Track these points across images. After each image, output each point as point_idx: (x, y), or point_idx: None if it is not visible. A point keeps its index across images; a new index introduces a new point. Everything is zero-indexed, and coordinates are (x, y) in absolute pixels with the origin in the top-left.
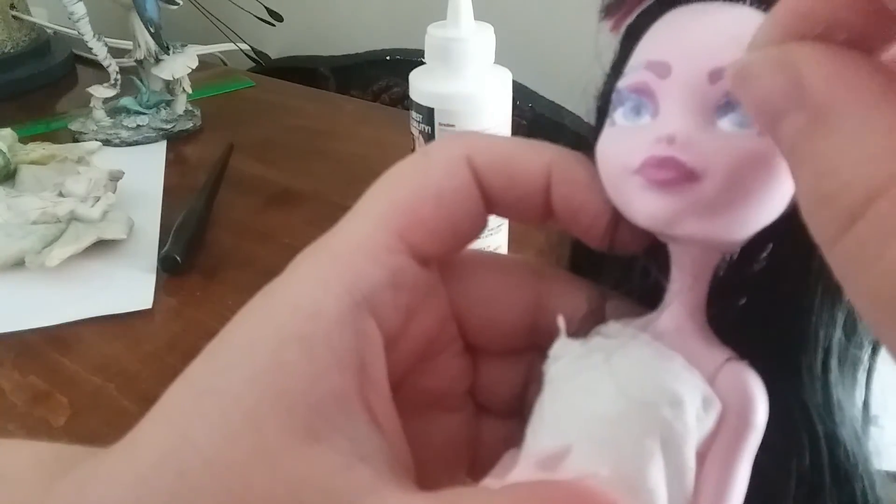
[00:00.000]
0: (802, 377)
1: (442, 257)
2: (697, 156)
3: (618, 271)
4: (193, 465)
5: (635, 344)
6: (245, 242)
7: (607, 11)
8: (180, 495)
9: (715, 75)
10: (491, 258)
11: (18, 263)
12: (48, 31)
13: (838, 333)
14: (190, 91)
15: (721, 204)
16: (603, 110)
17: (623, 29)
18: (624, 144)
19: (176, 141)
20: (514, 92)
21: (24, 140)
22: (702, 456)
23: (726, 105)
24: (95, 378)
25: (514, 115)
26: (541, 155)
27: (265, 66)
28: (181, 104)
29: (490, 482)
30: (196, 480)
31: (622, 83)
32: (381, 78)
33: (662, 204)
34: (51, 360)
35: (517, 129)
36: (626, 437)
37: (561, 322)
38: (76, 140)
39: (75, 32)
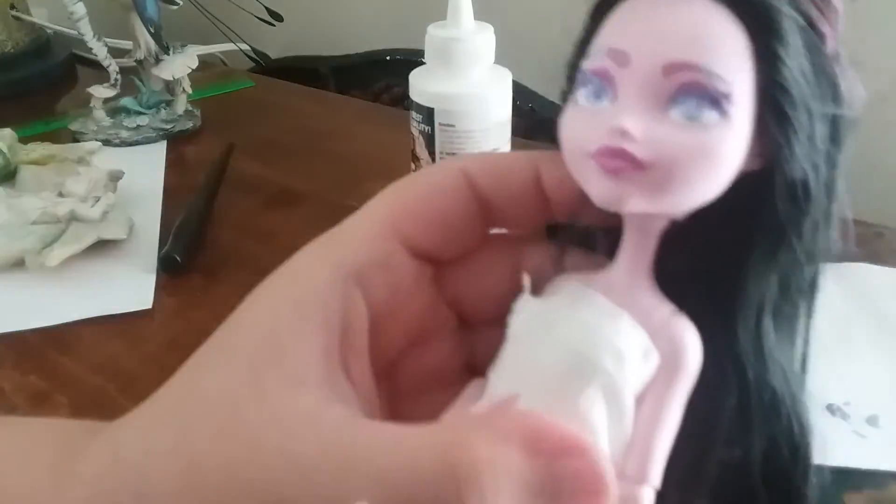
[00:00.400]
0: (737, 329)
1: (437, 252)
2: (647, 148)
3: (578, 232)
4: (198, 412)
5: (585, 302)
6: (245, 242)
7: None
8: (186, 439)
9: (668, 69)
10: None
11: (18, 263)
12: (48, 31)
13: (772, 292)
14: (190, 91)
15: (666, 187)
16: (571, 80)
17: (591, 6)
18: (583, 127)
19: (176, 141)
20: (514, 92)
21: (24, 140)
22: (640, 399)
23: (677, 97)
24: (95, 378)
25: (514, 115)
26: (526, 155)
27: (265, 66)
28: (181, 104)
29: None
30: (200, 424)
31: (587, 65)
32: (381, 78)
33: (613, 187)
34: (51, 361)
35: (517, 129)
36: (571, 386)
37: (525, 280)
38: (76, 140)
39: (75, 32)
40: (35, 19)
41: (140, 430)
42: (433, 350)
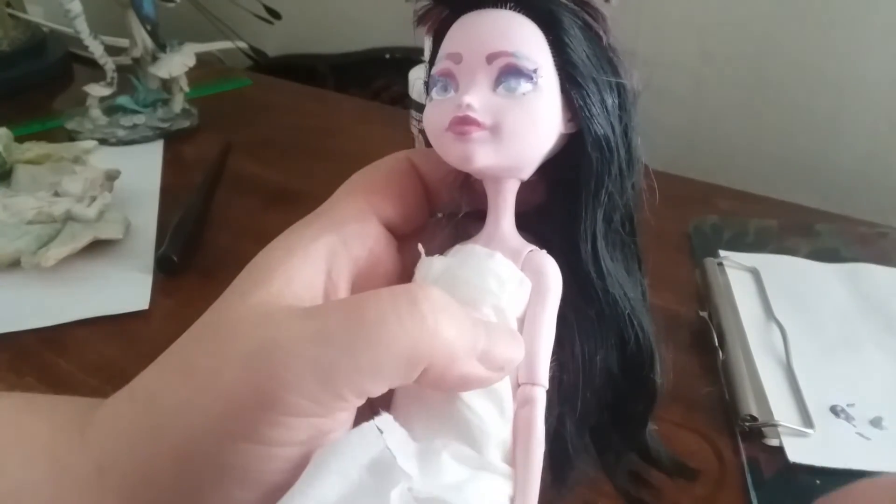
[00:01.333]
0: (581, 255)
1: (400, 223)
2: (485, 113)
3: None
4: (200, 338)
5: (469, 252)
6: (243, 242)
7: (420, 20)
8: (188, 363)
9: (490, 58)
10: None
11: (14, 264)
12: (44, 29)
13: (601, 222)
14: (187, 89)
15: (502, 141)
16: (426, 87)
17: (432, 33)
18: (438, 112)
19: (173, 140)
20: None
21: (19, 139)
22: (521, 321)
23: (500, 77)
24: (92, 379)
25: None
26: None
27: (263, 64)
28: (178, 103)
29: None
30: (196, 335)
31: (434, 70)
32: (380, 76)
33: (465, 147)
34: (47, 362)
35: None
36: (470, 309)
37: (420, 248)
38: (72, 139)
39: (71, 30)
40: (31, 17)
41: (155, 365)
42: None
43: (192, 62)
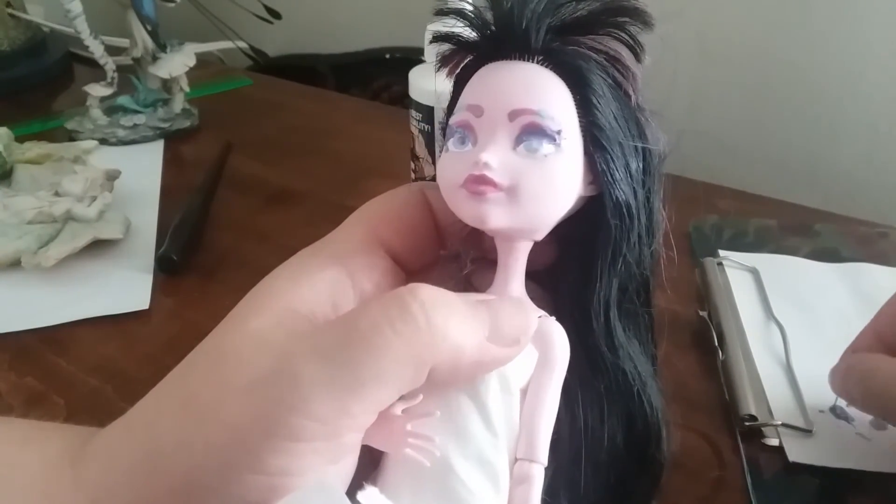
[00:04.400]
0: (592, 325)
1: (408, 257)
2: (502, 173)
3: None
4: (201, 367)
5: None
6: (243, 242)
7: (442, 63)
8: (191, 395)
9: (513, 115)
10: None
11: (14, 263)
12: (44, 29)
13: (615, 292)
14: (187, 89)
15: (518, 203)
16: (444, 135)
17: (454, 79)
18: (453, 167)
19: (173, 140)
20: None
21: (20, 139)
22: (524, 392)
23: (522, 136)
24: (92, 379)
25: None
26: None
27: (263, 64)
28: (178, 103)
29: None
30: (194, 365)
31: (452, 120)
32: (380, 76)
33: (480, 207)
34: (47, 362)
35: None
36: (476, 378)
37: None
38: (72, 139)
39: (72, 30)
40: (31, 17)
41: (153, 395)
42: None
43: (192, 62)
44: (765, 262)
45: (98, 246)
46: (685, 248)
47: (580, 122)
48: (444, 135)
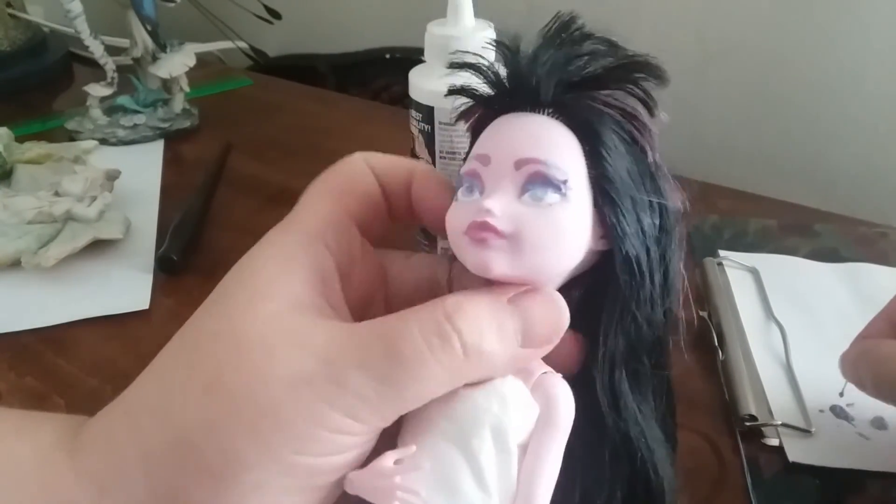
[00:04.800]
0: (596, 383)
1: (370, 224)
2: (505, 221)
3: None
4: (219, 351)
5: None
6: (243, 242)
7: (460, 117)
8: (214, 380)
9: (519, 163)
10: (409, 254)
11: (14, 263)
12: (44, 29)
13: (621, 351)
14: (187, 89)
15: (522, 252)
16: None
17: (470, 130)
18: (460, 214)
19: (173, 140)
20: None
21: (20, 139)
22: (523, 449)
23: (527, 185)
24: (92, 379)
25: None
26: (410, 162)
27: (263, 64)
28: (178, 103)
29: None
30: (207, 349)
31: (462, 170)
32: (380, 76)
33: (482, 254)
34: (47, 362)
35: None
36: (467, 430)
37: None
38: (73, 139)
39: (72, 30)
40: (31, 17)
41: (153, 379)
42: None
43: (192, 62)
44: (765, 262)
45: (98, 246)
46: (685, 247)
47: (589, 173)
48: (457, 185)
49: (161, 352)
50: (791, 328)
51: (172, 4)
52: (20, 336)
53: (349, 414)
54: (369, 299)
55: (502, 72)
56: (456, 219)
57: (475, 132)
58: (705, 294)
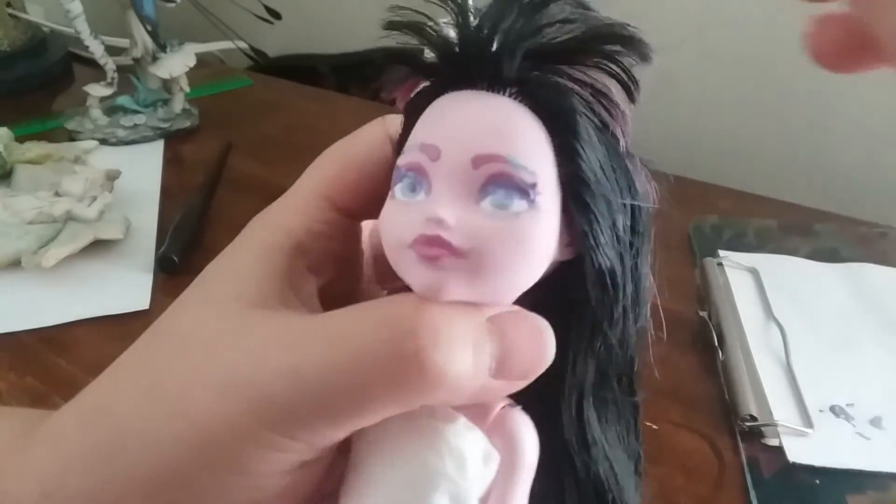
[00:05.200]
0: (562, 417)
1: (362, 205)
2: (461, 235)
3: None
4: (165, 350)
5: (424, 413)
6: None
7: (389, 87)
8: (154, 381)
9: (477, 161)
10: None
11: (14, 264)
12: (44, 29)
13: (591, 378)
14: (187, 89)
15: (482, 274)
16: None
17: (405, 106)
18: (401, 220)
19: (173, 140)
20: None
21: (20, 139)
22: (483, 500)
23: (487, 187)
24: (92, 380)
25: None
26: None
27: (264, 64)
28: (179, 103)
29: None
30: (156, 347)
31: (401, 160)
32: (380, 76)
33: (432, 275)
34: (47, 362)
35: None
36: (418, 496)
37: None
38: (73, 139)
39: (72, 30)
40: (31, 17)
41: (108, 377)
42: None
43: (192, 62)
44: (765, 262)
45: (98, 246)
46: (685, 247)
47: (559, 171)
48: (393, 178)
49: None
50: (791, 328)
51: (172, 5)
52: (20, 336)
53: (278, 430)
54: (354, 283)
55: (452, 35)
56: (396, 225)
57: (412, 111)
58: (705, 294)
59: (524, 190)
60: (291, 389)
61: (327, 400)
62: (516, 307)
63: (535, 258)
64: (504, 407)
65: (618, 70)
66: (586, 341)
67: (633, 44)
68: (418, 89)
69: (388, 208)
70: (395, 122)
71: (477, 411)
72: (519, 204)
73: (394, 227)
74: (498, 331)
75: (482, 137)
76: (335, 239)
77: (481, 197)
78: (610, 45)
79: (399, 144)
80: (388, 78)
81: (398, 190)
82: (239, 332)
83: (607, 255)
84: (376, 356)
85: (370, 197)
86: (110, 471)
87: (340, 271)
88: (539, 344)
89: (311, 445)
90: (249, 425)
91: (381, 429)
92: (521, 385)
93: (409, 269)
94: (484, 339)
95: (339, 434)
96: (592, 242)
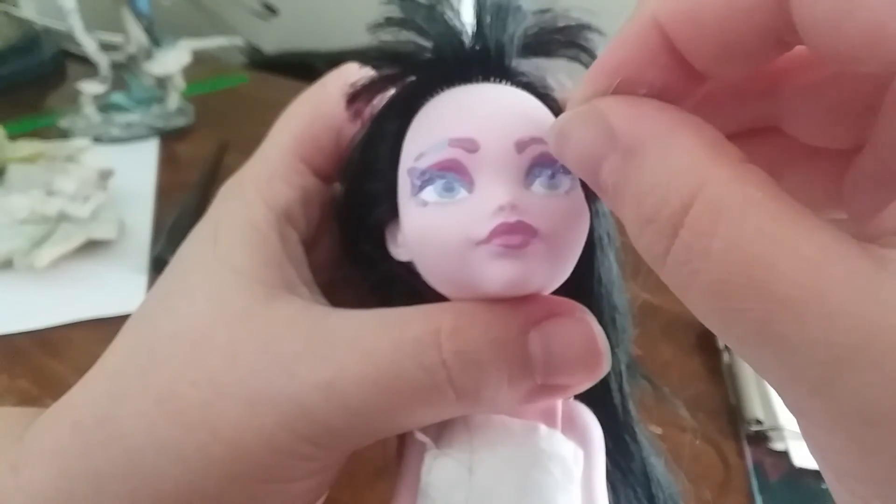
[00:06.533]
0: (616, 410)
1: (330, 166)
2: (535, 217)
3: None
4: (175, 356)
5: (504, 432)
6: None
7: (350, 101)
8: (167, 392)
9: (520, 144)
10: None
11: (6, 264)
12: (37, 25)
13: (623, 362)
14: (182, 87)
15: (559, 255)
16: (384, 195)
17: (382, 114)
18: (454, 220)
19: (168, 138)
20: None
21: (12, 137)
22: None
23: (533, 169)
24: None
25: None
26: None
27: (259, 61)
28: (173, 100)
29: None
30: (163, 352)
31: (423, 163)
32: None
33: (514, 266)
34: (40, 364)
35: None
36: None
37: (421, 436)
38: (65, 137)
39: (65, 27)
40: (23, 13)
41: (104, 384)
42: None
43: (187, 59)
44: None
45: (91, 246)
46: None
47: None
48: (410, 188)
49: (111, 347)
50: None
51: (168, 1)
52: (13, 338)
53: (314, 442)
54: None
55: (445, 30)
56: (453, 227)
57: (392, 114)
58: None
59: (565, 168)
60: (327, 403)
61: (364, 415)
62: (567, 302)
63: (586, 233)
64: (565, 401)
65: (586, 62)
66: (607, 318)
67: (588, 40)
68: (395, 91)
69: (425, 215)
70: (352, 70)
71: (544, 410)
72: (565, 181)
73: (451, 230)
74: (544, 337)
75: (519, 122)
76: (313, 205)
77: (530, 181)
78: (579, 37)
79: (392, 157)
80: (381, 77)
81: (432, 193)
82: (260, 335)
83: (600, 224)
84: (413, 380)
85: (338, 157)
86: (126, 489)
87: (320, 238)
88: (587, 366)
89: (343, 453)
90: (284, 438)
91: (458, 463)
92: (559, 399)
93: (485, 267)
94: (519, 354)
95: (367, 443)
96: (593, 211)
